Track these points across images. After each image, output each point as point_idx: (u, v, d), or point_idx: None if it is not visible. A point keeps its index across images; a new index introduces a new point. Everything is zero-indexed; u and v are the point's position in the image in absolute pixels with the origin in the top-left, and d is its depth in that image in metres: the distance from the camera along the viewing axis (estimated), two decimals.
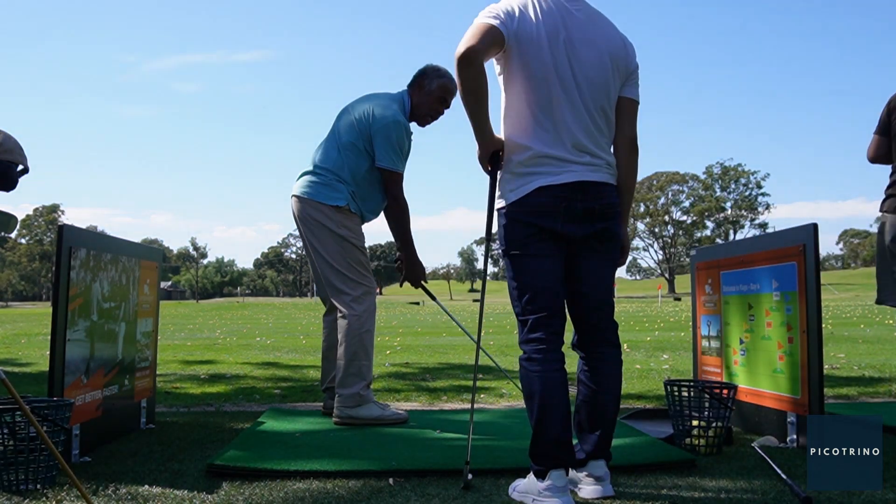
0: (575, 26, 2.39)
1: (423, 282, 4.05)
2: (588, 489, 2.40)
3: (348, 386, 3.63)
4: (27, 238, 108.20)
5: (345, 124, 3.79)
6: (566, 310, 2.47)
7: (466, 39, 2.27)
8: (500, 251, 2.49)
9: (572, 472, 2.44)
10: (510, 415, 4.09)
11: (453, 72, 2.34)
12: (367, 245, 3.94)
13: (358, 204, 3.78)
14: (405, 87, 3.88)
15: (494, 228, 2.50)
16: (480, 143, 2.42)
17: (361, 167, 3.74)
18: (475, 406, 4.58)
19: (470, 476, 2.49)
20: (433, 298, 4.39)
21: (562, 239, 2.38)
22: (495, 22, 2.31)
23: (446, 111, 3.92)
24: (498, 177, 2.47)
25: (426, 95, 3.81)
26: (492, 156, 2.44)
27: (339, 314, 3.74)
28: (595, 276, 2.46)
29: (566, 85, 2.35)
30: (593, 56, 2.39)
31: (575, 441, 2.43)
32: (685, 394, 3.14)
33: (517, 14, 2.35)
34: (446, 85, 3.81)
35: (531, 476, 2.35)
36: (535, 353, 2.37)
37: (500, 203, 2.45)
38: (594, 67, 2.38)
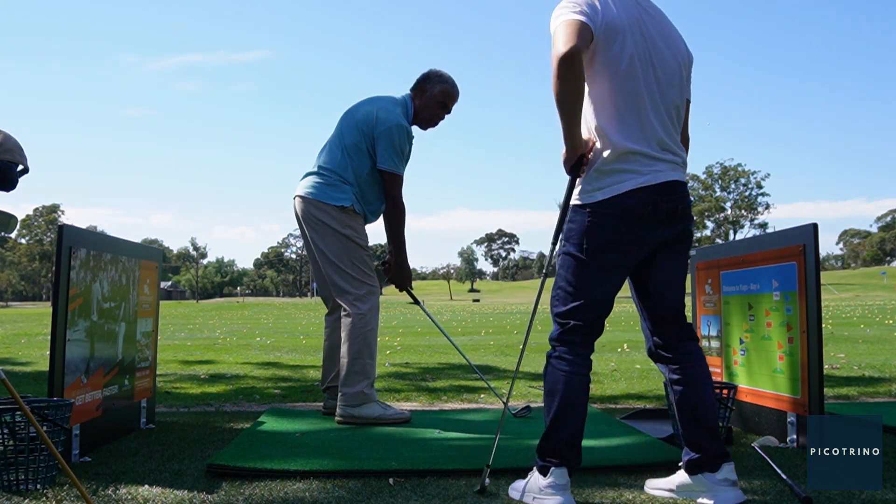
0: (651, 22, 2.35)
1: (408, 287, 4.06)
2: (727, 494, 2.28)
3: (352, 385, 3.65)
4: (27, 238, 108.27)
5: (348, 126, 3.81)
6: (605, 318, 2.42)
7: (566, 38, 2.17)
8: (563, 247, 2.35)
9: (703, 477, 2.32)
10: (510, 415, 4.07)
11: (551, 74, 2.19)
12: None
13: (361, 205, 3.80)
14: (408, 91, 3.89)
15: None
16: (570, 146, 2.29)
17: (364, 168, 3.76)
18: (475, 406, 4.59)
19: (487, 481, 2.44)
20: (418, 303, 4.41)
21: (643, 245, 2.31)
22: (583, 18, 2.22)
23: (448, 116, 3.94)
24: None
25: (427, 100, 3.83)
26: (577, 159, 2.35)
27: (342, 313, 3.75)
28: (674, 278, 2.41)
29: (648, 80, 2.30)
30: (668, 53, 2.35)
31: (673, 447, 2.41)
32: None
33: (599, 5, 2.27)
34: (448, 91, 3.83)
35: (535, 474, 2.33)
36: (567, 353, 2.32)
37: (579, 200, 2.33)
38: (670, 64, 2.35)
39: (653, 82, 2.31)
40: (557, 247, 2.40)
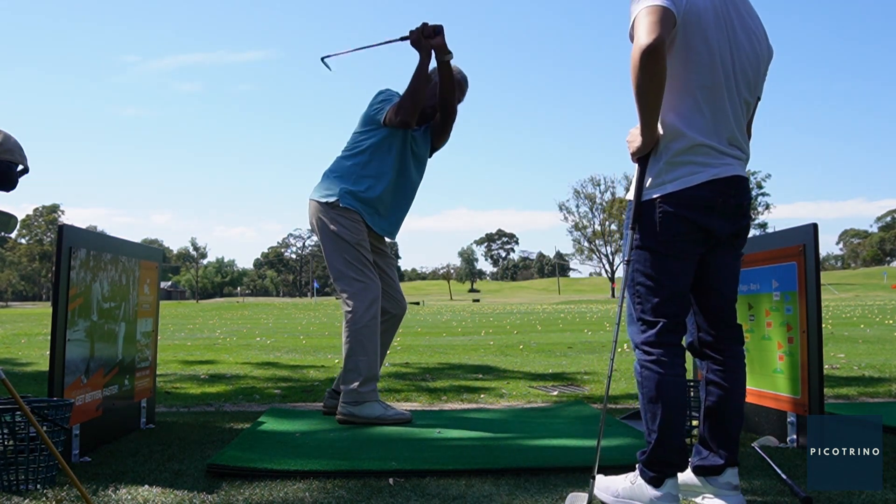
0: (736, 12, 2.27)
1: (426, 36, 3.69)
2: (728, 498, 2.28)
3: (347, 382, 3.68)
4: (27, 238, 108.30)
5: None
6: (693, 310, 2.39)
7: (650, 28, 2.05)
8: (636, 242, 2.26)
9: (706, 479, 2.33)
10: (510, 415, 4.08)
11: (632, 66, 2.08)
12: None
13: (356, 202, 3.75)
14: None
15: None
16: (648, 139, 2.21)
17: (353, 150, 3.80)
18: (475, 406, 4.59)
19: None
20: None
21: (709, 237, 2.27)
22: (665, 2, 2.10)
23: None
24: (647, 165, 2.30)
25: (433, 88, 3.80)
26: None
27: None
28: (731, 273, 2.38)
29: (727, 73, 2.22)
30: (749, 46, 2.27)
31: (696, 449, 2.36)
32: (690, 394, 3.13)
33: None
34: (458, 82, 3.83)
35: (640, 483, 2.25)
36: (665, 356, 2.24)
37: (650, 193, 2.24)
38: (749, 58, 2.27)
39: (731, 75, 2.24)
40: (628, 244, 2.31)
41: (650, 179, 2.25)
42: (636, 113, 2.19)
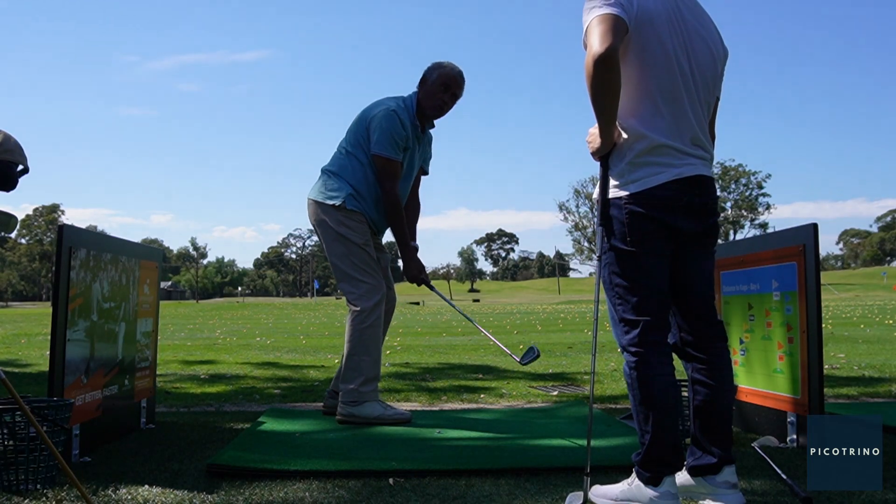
0: (687, 13, 2.31)
1: (423, 278, 3.99)
2: (728, 497, 2.27)
3: (347, 381, 3.68)
4: (27, 238, 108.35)
5: (352, 125, 3.87)
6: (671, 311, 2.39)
7: (602, 36, 2.10)
8: (606, 244, 2.29)
9: (704, 479, 2.33)
10: (510, 415, 4.08)
11: (587, 75, 2.12)
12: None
13: (360, 203, 3.78)
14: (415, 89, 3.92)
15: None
16: (606, 142, 2.25)
17: (361, 166, 3.78)
18: (475, 406, 4.59)
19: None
20: (437, 292, 4.33)
21: (677, 235, 2.28)
22: (617, 10, 2.14)
23: (457, 102, 3.90)
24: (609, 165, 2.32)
25: (430, 87, 3.83)
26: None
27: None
28: (704, 272, 2.39)
29: (685, 74, 2.26)
30: (704, 47, 2.31)
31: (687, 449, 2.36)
32: (685, 394, 3.13)
33: None
34: (447, 73, 3.84)
35: (637, 484, 2.25)
36: (652, 356, 2.24)
37: (614, 193, 2.27)
38: (706, 59, 2.31)
39: (689, 76, 2.27)
40: (599, 241, 2.32)
41: (614, 180, 2.28)
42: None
